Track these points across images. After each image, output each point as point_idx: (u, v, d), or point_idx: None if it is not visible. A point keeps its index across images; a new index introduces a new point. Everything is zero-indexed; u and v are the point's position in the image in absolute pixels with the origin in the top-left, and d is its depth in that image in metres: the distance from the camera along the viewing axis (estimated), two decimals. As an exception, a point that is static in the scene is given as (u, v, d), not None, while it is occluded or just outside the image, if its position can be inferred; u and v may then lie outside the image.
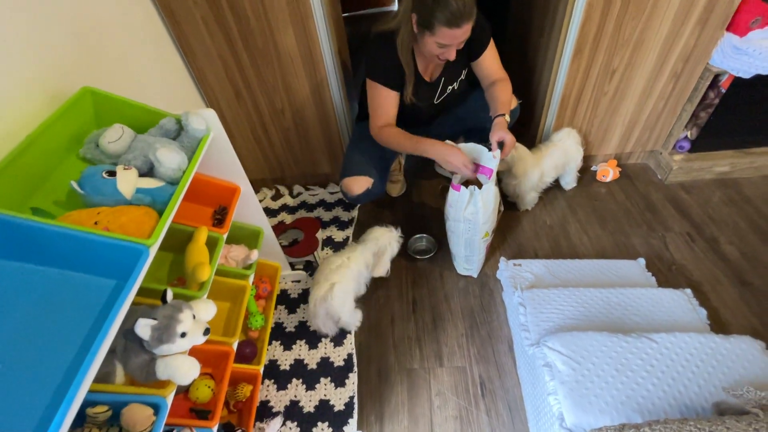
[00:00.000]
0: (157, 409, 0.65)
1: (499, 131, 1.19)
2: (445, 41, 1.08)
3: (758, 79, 1.41)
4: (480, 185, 1.21)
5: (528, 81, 1.77)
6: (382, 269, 1.34)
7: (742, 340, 0.89)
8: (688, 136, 1.70)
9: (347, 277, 1.22)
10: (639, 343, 0.87)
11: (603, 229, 1.57)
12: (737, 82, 1.46)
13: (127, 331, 0.66)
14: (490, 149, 1.20)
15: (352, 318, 1.28)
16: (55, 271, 0.64)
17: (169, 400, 0.69)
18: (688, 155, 1.72)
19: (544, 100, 1.62)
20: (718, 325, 1.22)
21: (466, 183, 1.24)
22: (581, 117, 1.64)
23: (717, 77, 1.50)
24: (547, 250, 1.51)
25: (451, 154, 1.17)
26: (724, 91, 1.52)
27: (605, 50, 1.42)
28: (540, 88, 1.65)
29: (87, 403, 0.61)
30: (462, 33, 1.06)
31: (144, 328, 0.64)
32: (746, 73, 1.41)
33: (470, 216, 1.22)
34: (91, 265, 0.64)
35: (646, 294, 1.07)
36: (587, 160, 1.83)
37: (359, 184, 1.38)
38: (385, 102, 1.27)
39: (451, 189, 1.25)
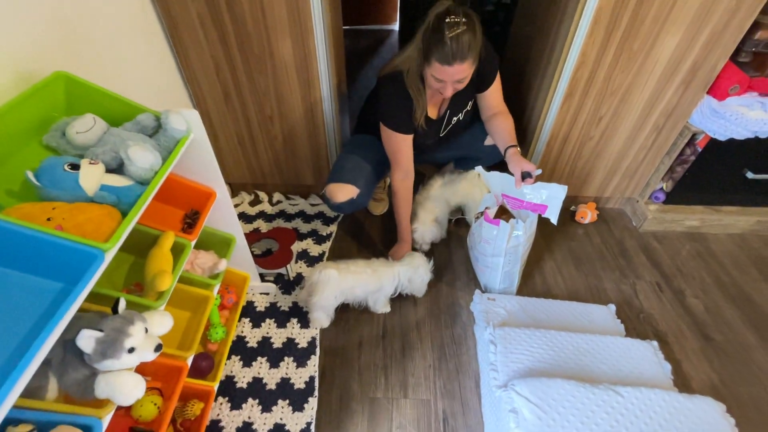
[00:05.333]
0: (89, 431, 0.59)
1: (521, 162, 1.18)
2: (439, 76, 1.09)
3: (732, 142, 1.48)
4: (507, 218, 1.21)
5: (518, 117, 1.80)
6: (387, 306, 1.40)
7: (704, 401, 0.89)
8: (664, 188, 1.76)
9: (349, 280, 1.24)
10: (605, 395, 0.86)
11: (578, 270, 1.59)
12: (713, 142, 1.52)
13: (68, 342, 0.60)
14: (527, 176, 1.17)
15: (320, 311, 1.28)
16: (-6, 268, 0.58)
17: (106, 421, 0.62)
18: (663, 206, 1.78)
19: (533, 137, 1.65)
20: (680, 377, 1.23)
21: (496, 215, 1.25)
22: (566, 157, 1.68)
23: (694, 136, 1.56)
24: (521, 286, 1.51)
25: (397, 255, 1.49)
26: (699, 149, 1.58)
27: (595, 97, 1.47)
28: (530, 125, 1.68)
29: (9, 420, 0.55)
30: (454, 71, 1.06)
31: (87, 340, 0.59)
32: (722, 136, 1.47)
33: (512, 249, 1.21)
34: (37, 266, 0.59)
35: (614, 343, 1.08)
36: (569, 200, 1.86)
37: (344, 192, 1.35)
38: (401, 146, 1.30)
39: (486, 224, 1.21)
